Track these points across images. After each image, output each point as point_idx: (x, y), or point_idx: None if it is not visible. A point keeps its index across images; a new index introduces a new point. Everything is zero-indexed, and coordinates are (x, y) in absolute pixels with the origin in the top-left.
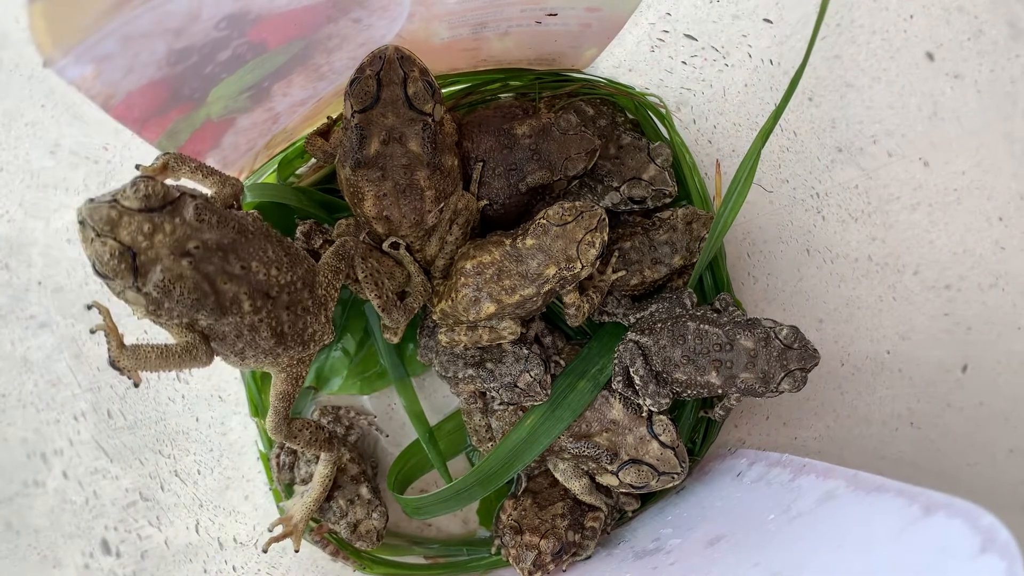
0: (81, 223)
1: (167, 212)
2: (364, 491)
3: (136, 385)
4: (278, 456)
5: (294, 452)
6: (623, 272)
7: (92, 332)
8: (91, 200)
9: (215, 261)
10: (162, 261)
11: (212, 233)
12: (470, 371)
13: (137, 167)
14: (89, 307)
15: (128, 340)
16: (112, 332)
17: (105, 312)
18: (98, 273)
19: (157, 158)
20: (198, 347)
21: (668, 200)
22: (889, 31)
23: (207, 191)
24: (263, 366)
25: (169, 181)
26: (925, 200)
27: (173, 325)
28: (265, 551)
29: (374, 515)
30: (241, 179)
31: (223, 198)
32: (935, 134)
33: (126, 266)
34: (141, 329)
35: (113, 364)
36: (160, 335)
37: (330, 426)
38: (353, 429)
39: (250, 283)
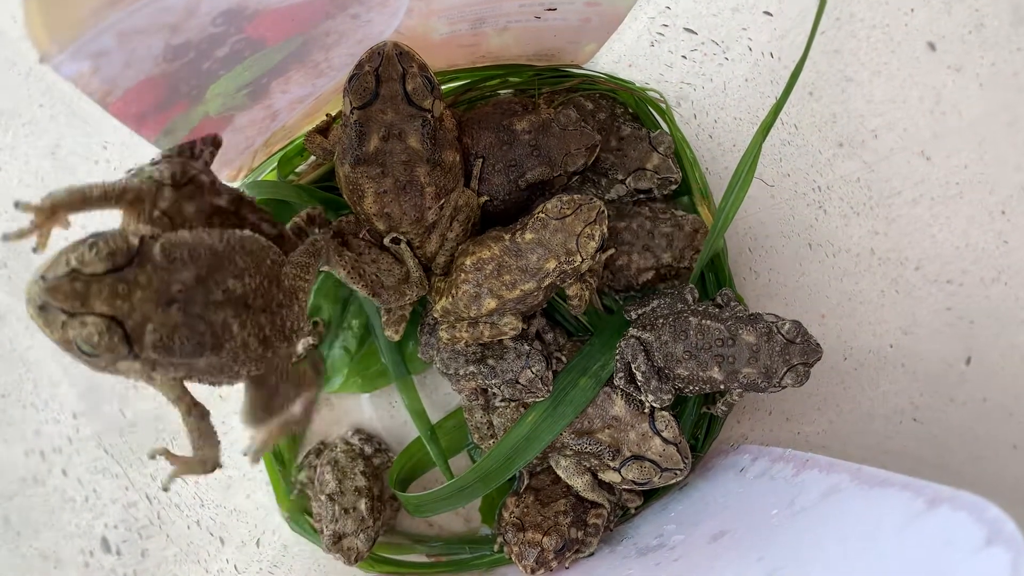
0: (42, 308)
1: (136, 265)
2: (363, 506)
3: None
4: None
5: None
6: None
7: (166, 489)
8: (42, 279)
9: (199, 297)
10: (152, 319)
11: (188, 269)
12: (471, 368)
13: (16, 205)
14: (152, 456)
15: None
16: (186, 464)
17: (169, 455)
18: (82, 354)
19: (42, 201)
20: (195, 404)
21: (674, 187)
22: (889, 25)
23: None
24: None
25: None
26: (927, 194)
27: (167, 382)
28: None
29: (360, 536)
30: (239, 177)
31: (148, 215)
32: (937, 127)
33: (119, 338)
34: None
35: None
36: None
37: (360, 444)
38: (380, 454)
39: (233, 301)
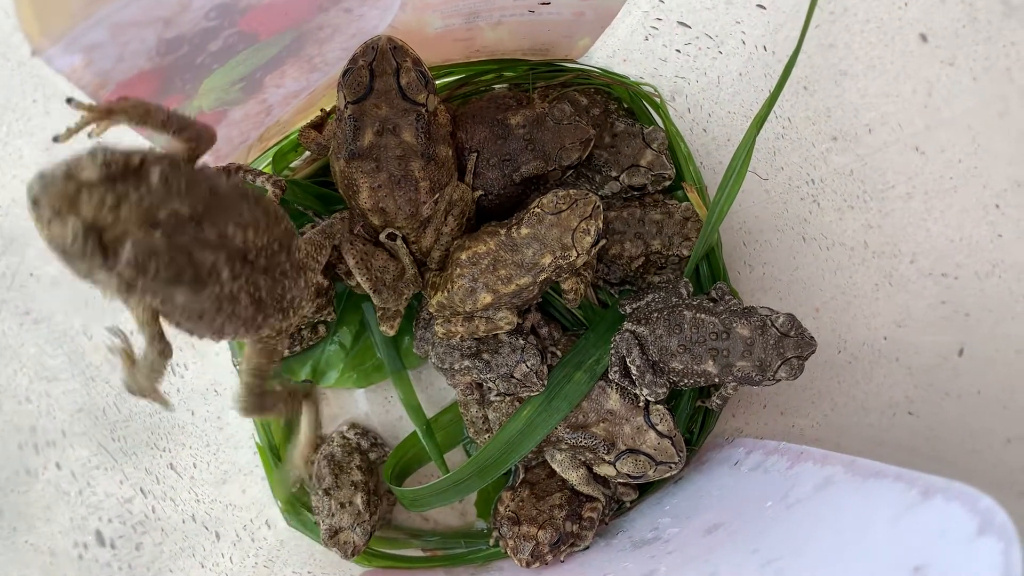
0: (34, 202)
1: (130, 181)
2: (359, 500)
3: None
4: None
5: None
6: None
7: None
8: (42, 175)
9: (188, 231)
10: (132, 235)
11: (182, 200)
12: (466, 362)
13: (69, 101)
14: (112, 331)
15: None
16: (127, 357)
17: (124, 338)
18: (63, 254)
19: (100, 103)
20: (161, 337)
21: (668, 183)
22: (883, 18)
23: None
24: (242, 338)
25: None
26: (921, 187)
27: (142, 306)
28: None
29: (357, 530)
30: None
31: (192, 154)
32: (930, 121)
33: (93, 245)
34: None
35: (131, 390)
36: None
37: (356, 439)
38: (376, 449)
39: (228, 250)
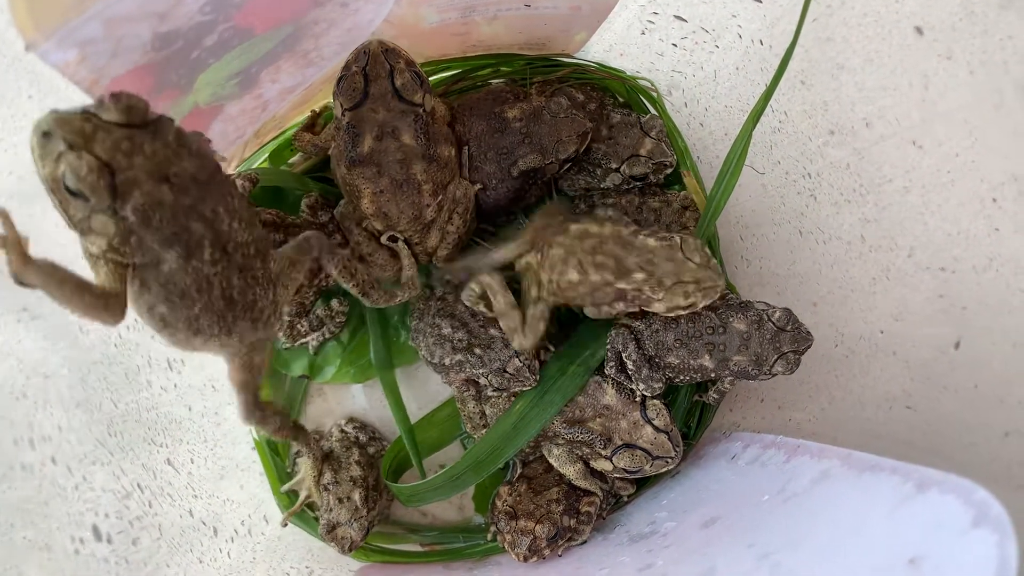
0: (45, 134)
1: (148, 132)
2: (356, 496)
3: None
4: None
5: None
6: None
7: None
8: (56, 110)
9: (192, 195)
10: (141, 185)
11: (191, 163)
12: (458, 356)
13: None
14: None
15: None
16: (13, 241)
17: (5, 217)
18: (67, 191)
19: None
20: (118, 298)
21: (669, 170)
22: (880, 12)
23: None
24: (214, 345)
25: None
26: (918, 181)
27: (122, 264)
28: (285, 525)
29: (354, 525)
30: (231, 168)
31: None
32: (927, 115)
33: (105, 183)
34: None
35: (16, 279)
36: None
37: (354, 433)
38: (374, 443)
39: (215, 230)
